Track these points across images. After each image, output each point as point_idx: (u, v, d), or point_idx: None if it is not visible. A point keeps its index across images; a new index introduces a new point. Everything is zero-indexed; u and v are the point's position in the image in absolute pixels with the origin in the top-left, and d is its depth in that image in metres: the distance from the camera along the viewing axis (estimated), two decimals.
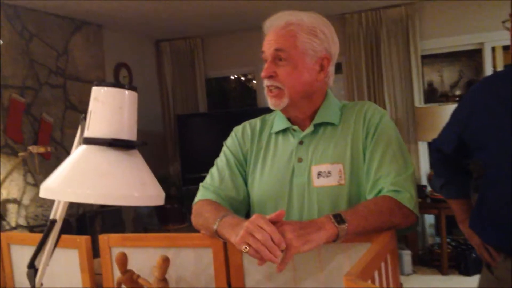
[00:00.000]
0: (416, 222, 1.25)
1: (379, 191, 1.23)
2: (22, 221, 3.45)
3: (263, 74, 1.29)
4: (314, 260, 1.18)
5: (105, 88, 0.73)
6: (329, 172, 1.28)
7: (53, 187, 0.69)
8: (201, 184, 1.40)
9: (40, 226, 3.58)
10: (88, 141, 0.72)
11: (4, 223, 3.30)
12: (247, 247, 1.03)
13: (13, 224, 3.37)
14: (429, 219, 4.57)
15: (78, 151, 0.73)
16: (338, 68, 5.11)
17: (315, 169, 1.29)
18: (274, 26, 1.29)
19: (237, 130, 1.45)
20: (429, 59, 5.05)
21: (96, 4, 3.77)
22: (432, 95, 5.63)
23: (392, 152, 1.27)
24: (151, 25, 4.66)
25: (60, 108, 3.92)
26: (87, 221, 3.98)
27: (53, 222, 0.82)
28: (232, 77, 5.54)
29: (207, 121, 4.95)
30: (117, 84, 0.73)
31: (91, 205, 3.83)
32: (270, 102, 1.31)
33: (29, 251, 1.25)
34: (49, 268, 1.38)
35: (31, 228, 3.49)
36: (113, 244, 1.34)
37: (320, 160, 1.29)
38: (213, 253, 1.25)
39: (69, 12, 3.94)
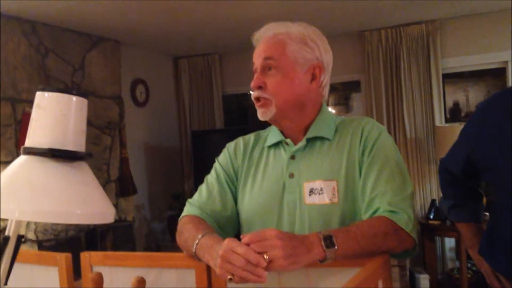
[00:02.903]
0: (414, 247, 1.16)
1: (375, 211, 1.15)
2: (31, 235, 3.44)
3: (252, 84, 1.25)
4: (302, 282, 1.10)
5: (49, 93, 0.67)
6: (321, 189, 1.20)
7: None
8: (187, 200, 1.34)
9: (49, 241, 3.56)
10: (27, 151, 0.67)
11: None
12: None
13: None
14: (449, 242, 4.38)
15: (16, 162, 0.68)
16: (357, 86, 5.02)
17: (307, 186, 1.22)
18: (263, 37, 1.25)
19: (230, 145, 1.40)
20: (453, 78, 4.92)
21: (114, 20, 3.80)
22: (458, 114, 5.49)
23: (390, 171, 1.19)
24: (169, 41, 4.69)
25: None
26: (98, 236, 3.95)
27: (6, 239, 0.77)
28: (249, 94, 5.51)
29: (223, 138, 4.89)
30: (62, 89, 0.67)
31: None
32: (258, 112, 1.26)
33: None
34: (28, 286, 1.34)
35: (40, 243, 3.47)
36: (94, 262, 1.28)
37: (312, 176, 1.22)
38: (196, 275, 1.18)
39: (87, 28, 3.99)
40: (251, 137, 1.39)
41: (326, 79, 1.28)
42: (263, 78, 1.23)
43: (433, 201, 4.19)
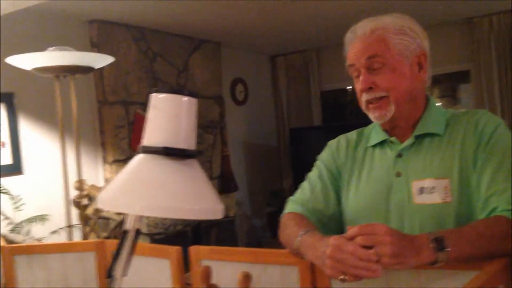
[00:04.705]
0: None
1: (492, 210, 1.06)
2: (143, 229, 3.68)
3: (361, 86, 1.18)
4: (411, 283, 1.05)
5: (162, 95, 0.71)
6: (433, 188, 1.13)
7: (108, 198, 0.68)
8: (289, 198, 1.34)
9: (159, 234, 3.79)
10: (143, 150, 0.71)
11: None
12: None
13: None
14: None
15: (134, 161, 0.72)
16: (466, 77, 4.70)
17: (416, 185, 1.15)
18: (358, 35, 1.19)
19: (332, 143, 1.37)
20: None
21: (214, 23, 3.94)
22: None
23: (509, 166, 1.09)
24: (267, 40, 4.76)
25: None
26: (202, 231, 4.13)
27: (126, 232, 0.83)
28: (348, 89, 5.39)
29: (321, 134, 4.87)
30: (174, 90, 0.71)
31: None
32: (374, 115, 1.20)
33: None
34: (142, 276, 1.43)
35: (151, 236, 3.71)
36: (202, 256, 1.33)
37: (422, 174, 1.16)
38: (300, 272, 1.18)
39: (190, 32, 4.18)
40: (353, 134, 1.35)
41: (429, 66, 1.22)
42: (371, 77, 1.18)
43: None
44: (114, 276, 0.92)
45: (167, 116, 0.71)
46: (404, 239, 0.96)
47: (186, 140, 0.71)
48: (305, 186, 1.33)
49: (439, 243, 0.96)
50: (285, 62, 5.34)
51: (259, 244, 4.87)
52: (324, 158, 1.35)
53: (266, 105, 5.34)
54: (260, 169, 5.15)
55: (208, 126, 4.42)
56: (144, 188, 0.68)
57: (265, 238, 4.96)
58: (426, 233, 0.99)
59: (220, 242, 4.16)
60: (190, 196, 0.69)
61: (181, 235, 3.99)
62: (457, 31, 4.47)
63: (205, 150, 4.38)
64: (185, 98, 0.71)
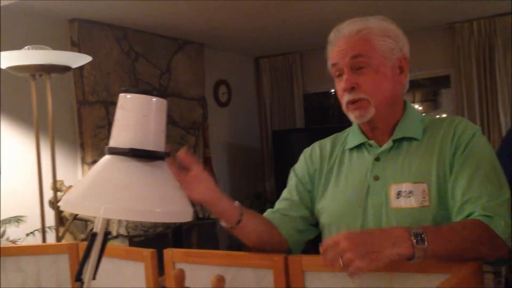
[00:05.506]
0: (510, 256, 1.06)
1: (468, 215, 1.07)
2: (123, 231, 3.64)
3: (343, 86, 1.17)
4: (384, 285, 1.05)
5: (131, 95, 0.70)
6: (410, 192, 1.14)
7: (72, 200, 0.67)
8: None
9: (139, 236, 3.74)
10: (110, 151, 0.70)
11: None
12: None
13: (113, 233, 3.56)
14: None
15: (101, 162, 0.71)
16: (446, 82, 4.76)
17: (394, 188, 1.15)
18: (343, 35, 1.19)
19: (306, 151, 1.37)
20: None
21: (198, 24, 3.93)
22: None
23: (484, 173, 1.10)
24: (251, 42, 4.75)
25: None
26: (183, 233, 4.10)
27: (94, 235, 0.81)
28: (331, 92, 5.42)
29: (304, 137, 4.88)
30: (143, 90, 0.69)
31: None
32: (354, 115, 1.19)
33: None
34: (117, 279, 1.40)
35: (130, 238, 3.66)
36: (176, 259, 1.32)
37: (400, 178, 1.16)
38: (274, 275, 1.17)
39: (173, 32, 4.15)
40: (327, 140, 1.35)
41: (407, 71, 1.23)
42: (354, 78, 1.17)
43: None
44: (83, 280, 0.90)
45: (135, 117, 0.70)
46: (370, 235, 0.96)
47: (154, 141, 0.70)
48: (280, 199, 1.35)
49: (419, 237, 0.95)
50: (269, 64, 5.35)
51: (239, 247, 4.85)
52: (297, 168, 1.36)
53: (249, 107, 5.33)
54: (242, 171, 5.13)
55: (191, 127, 4.39)
56: (109, 190, 0.67)
57: None
58: (406, 227, 0.98)
59: (201, 244, 4.13)
60: (157, 198, 0.67)
61: (161, 237, 3.96)
62: (438, 36, 4.52)
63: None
64: (154, 99, 0.70)
